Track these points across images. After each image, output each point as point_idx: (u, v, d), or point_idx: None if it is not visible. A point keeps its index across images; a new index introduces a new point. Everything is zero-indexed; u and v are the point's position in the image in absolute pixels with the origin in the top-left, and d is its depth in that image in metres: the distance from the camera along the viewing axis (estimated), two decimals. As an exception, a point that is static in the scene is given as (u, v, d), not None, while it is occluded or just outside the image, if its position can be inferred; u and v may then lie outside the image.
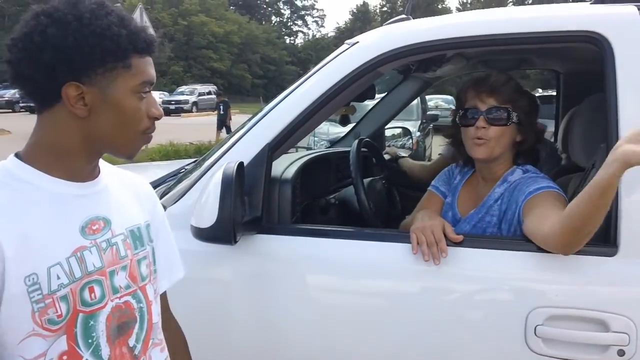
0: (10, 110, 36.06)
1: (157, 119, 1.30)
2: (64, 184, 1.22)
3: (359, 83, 2.10)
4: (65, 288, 1.16)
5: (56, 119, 1.20)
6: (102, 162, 1.36)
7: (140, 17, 14.91)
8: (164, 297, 1.52)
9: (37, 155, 1.21)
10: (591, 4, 2.01)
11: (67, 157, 1.22)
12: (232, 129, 18.46)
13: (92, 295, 1.21)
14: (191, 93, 40.53)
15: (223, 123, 19.55)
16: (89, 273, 1.20)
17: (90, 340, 1.20)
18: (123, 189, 1.38)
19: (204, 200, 1.85)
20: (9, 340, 1.13)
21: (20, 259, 1.11)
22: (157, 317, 1.38)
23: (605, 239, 1.79)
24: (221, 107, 19.87)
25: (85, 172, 1.27)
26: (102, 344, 1.22)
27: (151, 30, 1.29)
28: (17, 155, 1.23)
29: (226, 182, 1.78)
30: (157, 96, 38.09)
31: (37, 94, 1.20)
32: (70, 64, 1.14)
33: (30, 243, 1.13)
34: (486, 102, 2.05)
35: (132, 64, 1.21)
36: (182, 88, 43.21)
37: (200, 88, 41.17)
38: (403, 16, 2.33)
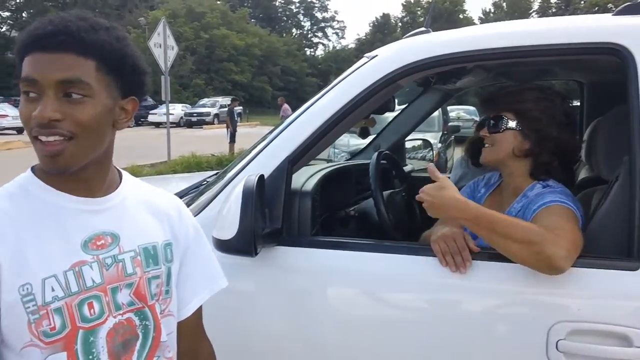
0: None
1: (39, 123, 1.13)
2: (70, 199, 1.23)
3: (378, 96, 2.10)
4: (59, 301, 1.16)
5: None
6: (129, 179, 1.38)
7: (163, 31, 15.09)
8: (194, 320, 1.48)
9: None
10: (613, 15, 2.00)
11: None
12: (245, 139, 18.48)
13: (92, 311, 1.20)
14: (213, 105, 40.90)
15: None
16: (87, 288, 1.20)
17: (90, 357, 1.20)
18: (143, 206, 1.37)
19: (226, 212, 1.86)
20: (12, 347, 1.15)
21: (15, 268, 1.13)
22: (165, 336, 1.35)
23: (628, 254, 1.77)
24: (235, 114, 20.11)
25: (94, 187, 1.27)
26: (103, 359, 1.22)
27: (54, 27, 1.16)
28: (32, 168, 1.25)
29: (247, 195, 1.79)
30: (180, 108, 38.43)
31: None
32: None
33: (28, 254, 1.14)
34: (488, 111, 2.16)
35: (23, 65, 1.17)
36: (204, 100, 43.61)
37: (222, 100, 41.43)
38: (422, 29, 2.34)
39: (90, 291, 1.20)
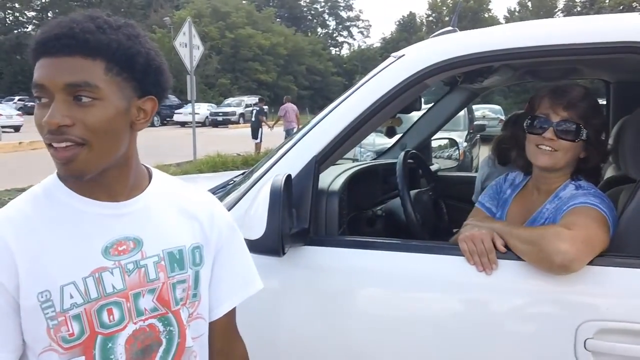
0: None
1: (49, 130, 1.12)
2: (93, 204, 1.22)
3: (405, 95, 2.11)
4: (78, 308, 1.16)
5: None
6: (160, 178, 1.36)
7: (189, 31, 15.18)
8: (226, 321, 1.45)
9: None
10: (641, 14, 1.99)
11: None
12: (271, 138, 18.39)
13: (111, 317, 1.19)
14: (238, 105, 40.93)
15: (256, 131, 19.59)
16: (107, 295, 1.19)
17: None
18: (170, 210, 1.34)
19: (253, 212, 1.87)
20: (32, 350, 1.17)
21: (35, 274, 1.13)
22: (191, 342, 1.32)
23: (656, 252, 1.76)
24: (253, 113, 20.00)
25: (117, 191, 1.25)
26: None
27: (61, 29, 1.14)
28: (57, 173, 1.24)
29: (275, 195, 1.81)
30: (205, 108, 38.57)
31: None
32: None
33: (47, 260, 1.14)
34: (559, 115, 2.00)
35: (34, 71, 1.15)
36: (229, 100, 43.70)
37: (247, 100, 41.53)
38: (449, 28, 2.34)
39: (110, 297, 1.19)
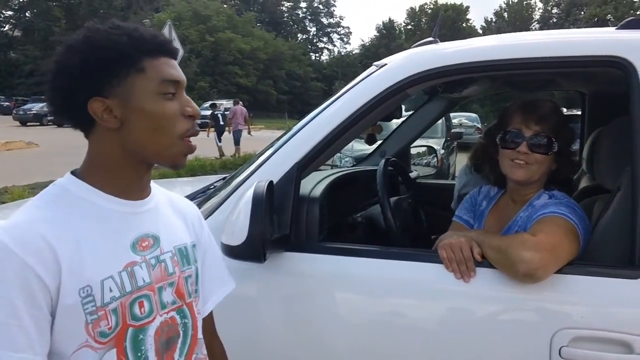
0: (39, 124, 36.64)
1: (193, 117, 1.29)
2: (116, 201, 1.27)
3: (387, 104, 2.13)
4: (116, 301, 1.20)
5: (98, 136, 1.25)
6: (153, 184, 1.41)
7: (169, 33, 15.11)
8: (209, 319, 1.57)
9: (89, 172, 1.27)
10: (617, 29, 2.04)
11: (115, 172, 1.27)
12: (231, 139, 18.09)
13: (142, 309, 1.25)
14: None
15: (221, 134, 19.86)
16: (138, 288, 1.24)
17: (139, 354, 1.24)
18: (171, 210, 1.43)
19: (235, 218, 1.88)
20: (63, 351, 1.17)
21: (75, 270, 1.15)
22: (201, 333, 1.42)
23: (630, 262, 1.80)
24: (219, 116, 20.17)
25: (136, 190, 1.32)
26: (151, 357, 1.26)
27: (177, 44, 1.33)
28: (73, 172, 1.29)
29: (256, 201, 1.81)
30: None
31: (74, 118, 1.25)
32: (84, 82, 1.20)
33: (84, 255, 1.17)
34: (531, 129, 2.05)
35: (145, 67, 1.22)
36: (208, 103, 43.45)
37: (226, 103, 41.32)
38: (430, 39, 2.37)
39: (141, 290, 1.25)
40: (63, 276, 1.14)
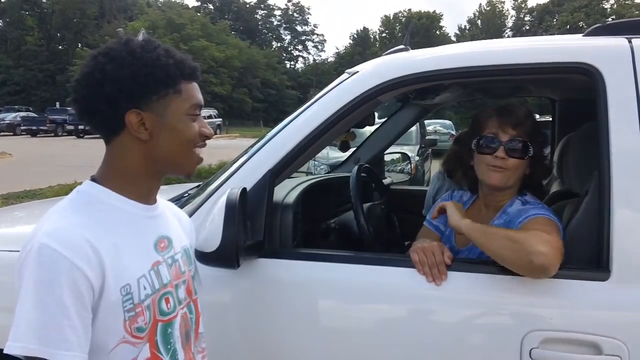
0: (12, 133, 36.23)
1: (208, 137, 1.43)
2: (136, 206, 1.36)
3: (359, 111, 2.15)
4: (149, 298, 1.29)
5: (123, 145, 1.34)
6: None
7: (142, 42, 15.02)
8: None
9: (111, 178, 1.35)
10: (583, 36, 2.08)
11: (136, 179, 1.36)
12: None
13: (168, 305, 1.37)
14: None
15: None
16: (164, 285, 1.36)
17: (169, 346, 1.34)
18: (172, 215, 1.56)
19: (208, 224, 1.87)
20: (102, 347, 1.23)
21: (116, 270, 1.23)
22: (202, 328, 1.56)
23: (598, 264, 1.83)
24: None
25: (151, 196, 1.43)
26: (178, 349, 1.37)
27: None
28: (93, 179, 1.36)
29: (230, 207, 1.82)
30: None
31: (104, 124, 1.33)
32: (129, 94, 1.28)
33: (122, 256, 1.26)
34: (508, 133, 2.06)
35: (182, 89, 1.36)
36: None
37: (203, 112, 41.18)
38: (402, 46, 2.39)
39: (166, 288, 1.37)
40: (107, 276, 1.21)
